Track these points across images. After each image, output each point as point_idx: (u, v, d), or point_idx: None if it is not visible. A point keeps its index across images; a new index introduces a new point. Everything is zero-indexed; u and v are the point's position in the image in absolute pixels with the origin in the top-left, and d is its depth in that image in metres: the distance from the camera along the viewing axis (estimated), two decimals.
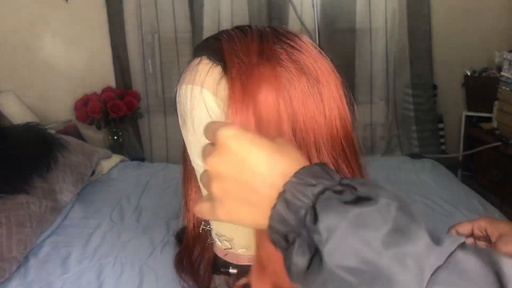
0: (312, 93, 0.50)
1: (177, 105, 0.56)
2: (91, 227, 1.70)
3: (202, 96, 0.51)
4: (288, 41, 0.51)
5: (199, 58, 0.54)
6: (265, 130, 0.47)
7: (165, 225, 1.70)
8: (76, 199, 1.90)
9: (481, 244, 0.67)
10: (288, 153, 0.40)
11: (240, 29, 0.53)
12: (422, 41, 2.52)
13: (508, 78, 2.13)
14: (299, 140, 0.49)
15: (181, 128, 0.57)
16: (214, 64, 0.51)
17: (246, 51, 0.49)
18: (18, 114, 2.33)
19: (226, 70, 0.49)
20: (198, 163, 0.56)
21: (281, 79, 0.48)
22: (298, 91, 0.49)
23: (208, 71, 0.52)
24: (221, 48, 0.51)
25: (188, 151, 0.58)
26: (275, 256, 0.42)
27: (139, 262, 1.48)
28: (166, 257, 1.49)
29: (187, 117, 0.54)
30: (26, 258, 1.50)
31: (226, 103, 0.50)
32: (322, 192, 0.37)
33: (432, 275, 0.33)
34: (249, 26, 0.54)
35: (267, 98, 0.47)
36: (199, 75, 0.52)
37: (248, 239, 0.58)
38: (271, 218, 0.38)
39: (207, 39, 0.55)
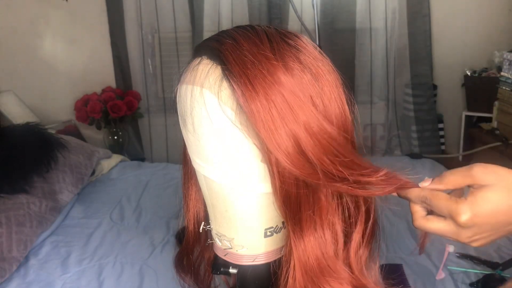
0: (314, 92, 0.50)
1: (177, 105, 0.56)
2: (91, 227, 1.70)
3: (202, 96, 0.51)
4: (290, 41, 0.52)
5: (199, 58, 0.54)
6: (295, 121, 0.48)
7: (165, 225, 1.70)
8: (76, 199, 1.91)
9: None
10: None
11: (243, 29, 0.53)
12: (422, 41, 2.52)
13: (508, 78, 2.13)
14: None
15: (181, 128, 0.57)
16: (215, 64, 0.51)
17: (256, 50, 0.50)
18: (18, 114, 2.33)
19: (231, 70, 0.49)
20: (198, 163, 0.56)
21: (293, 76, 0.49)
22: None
23: (208, 71, 0.52)
24: (226, 48, 0.50)
25: (188, 151, 0.58)
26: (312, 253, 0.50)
27: (139, 262, 1.48)
28: (166, 257, 1.49)
29: (187, 117, 0.54)
30: (26, 258, 1.50)
31: (228, 104, 0.50)
32: None
33: None
34: (251, 26, 0.54)
35: (289, 91, 0.48)
36: (199, 75, 0.52)
37: (248, 239, 0.59)
38: None
39: (208, 39, 0.55)
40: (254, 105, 0.48)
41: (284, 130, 0.48)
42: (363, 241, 0.55)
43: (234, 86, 0.48)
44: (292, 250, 0.51)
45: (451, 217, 0.50)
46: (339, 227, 0.53)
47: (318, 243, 0.51)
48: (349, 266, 0.54)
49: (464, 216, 0.49)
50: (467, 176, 0.51)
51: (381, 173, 0.51)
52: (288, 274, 0.52)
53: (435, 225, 0.52)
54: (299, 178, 0.50)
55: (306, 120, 0.48)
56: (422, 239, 0.58)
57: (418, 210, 0.54)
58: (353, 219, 0.54)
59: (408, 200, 0.55)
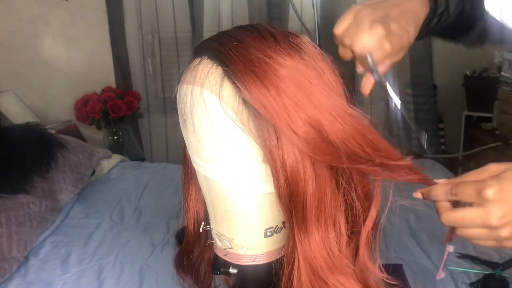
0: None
1: (177, 105, 0.56)
2: (91, 227, 1.70)
3: (202, 96, 0.51)
4: (292, 40, 0.52)
5: (199, 58, 0.53)
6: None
7: (165, 225, 1.70)
8: (76, 199, 1.91)
9: None
10: None
11: (244, 28, 0.53)
12: (422, 41, 2.51)
13: (508, 78, 2.13)
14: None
15: (181, 128, 0.57)
16: (215, 64, 0.51)
17: (261, 47, 0.50)
18: (18, 114, 2.33)
19: (236, 69, 0.48)
20: (198, 163, 0.56)
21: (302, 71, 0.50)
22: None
23: (208, 72, 0.52)
24: (229, 48, 0.50)
25: (189, 151, 0.58)
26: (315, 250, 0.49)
27: (139, 262, 1.48)
28: (166, 257, 1.49)
29: (187, 117, 0.54)
30: (26, 258, 1.50)
31: (229, 103, 0.50)
32: None
33: None
34: (252, 26, 0.54)
35: (301, 79, 0.49)
36: (199, 75, 0.52)
37: (248, 239, 0.59)
38: None
39: (208, 39, 0.55)
40: (266, 100, 0.47)
41: (301, 118, 0.47)
42: (366, 237, 0.55)
43: (239, 85, 0.48)
44: (296, 249, 0.51)
45: (478, 193, 0.49)
46: (343, 224, 0.53)
47: (323, 240, 0.51)
48: (353, 262, 0.54)
49: (491, 189, 0.48)
50: (484, 171, 0.52)
51: (407, 160, 0.53)
52: (293, 275, 0.52)
53: (462, 213, 0.51)
54: (322, 162, 0.50)
55: (328, 104, 0.48)
56: (449, 233, 0.57)
57: (443, 205, 0.54)
58: (358, 216, 0.54)
59: (432, 199, 0.55)
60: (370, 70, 0.62)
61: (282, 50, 0.50)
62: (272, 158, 0.49)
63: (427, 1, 0.70)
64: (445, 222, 0.53)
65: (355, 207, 0.54)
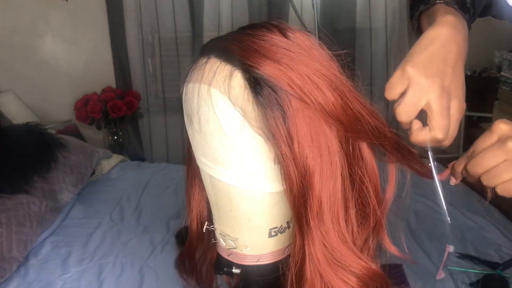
0: None
1: (183, 103, 0.56)
2: (91, 227, 1.70)
3: (210, 94, 0.52)
4: (298, 31, 0.53)
5: (206, 57, 0.54)
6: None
7: (165, 225, 1.69)
8: (76, 199, 1.90)
9: None
10: None
11: (248, 27, 0.54)
12: None
13: (508, 78, 2.13)
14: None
15: (186, 127, 0.57)
16: (223, 63, 0.51)
17: (273, 35, 0.51)
18: (18, 114, 2.33)
19: (251, 61, 0.49)
20: (203, 162, 0.56)
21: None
22: None
23: (216, 70, 0.52)
24: (245, 45, 0.50)
25: (193, 150, 0.58)
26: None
27: (139, 262, 1.48)
28: (166, 257, 1.49)
29: (194, 116, 0.54)
30: (26, 258, 1.50)
31: (237, 102, 0.50)
32: None
33: None
34: (254, 24, 0.54)
35: (323, 63, 0.51)
36: (206, 74, 0.52)
37: (253, 239, 0.59)
38: None
39: (215, 39, 0.55)
40: (287, 79, 0.48)
41: (330, 91, 0.49)
42: (375, 229, 0.56)
43: (259, 72, 0.48)
44: (311, 245, 0.51)
45: (491, 131, 0.55)
46: (354, 216, 0.54)
47: (337, 233, 0.51)
48: (363, 249, 0.56)
49: (501, 121, 0.54)
50: (492, 132, 0.56)
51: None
52: (303, 272, 0.52)
53: (482, 154, 0.56)
54: (349, 137, 0.52)
55: (347, 83, 0.52)
56: (490, 193, 0.62)
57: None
58: (369, 208, 0.55)
59: (458, 170, 0.60)
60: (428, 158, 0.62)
61: (291, 36, 0.51)
62: (284, 155, 0.49)
63: (464, 19, 0.68)
64: (471, 169, 0.57)
65: (367, 200, 0.55)
